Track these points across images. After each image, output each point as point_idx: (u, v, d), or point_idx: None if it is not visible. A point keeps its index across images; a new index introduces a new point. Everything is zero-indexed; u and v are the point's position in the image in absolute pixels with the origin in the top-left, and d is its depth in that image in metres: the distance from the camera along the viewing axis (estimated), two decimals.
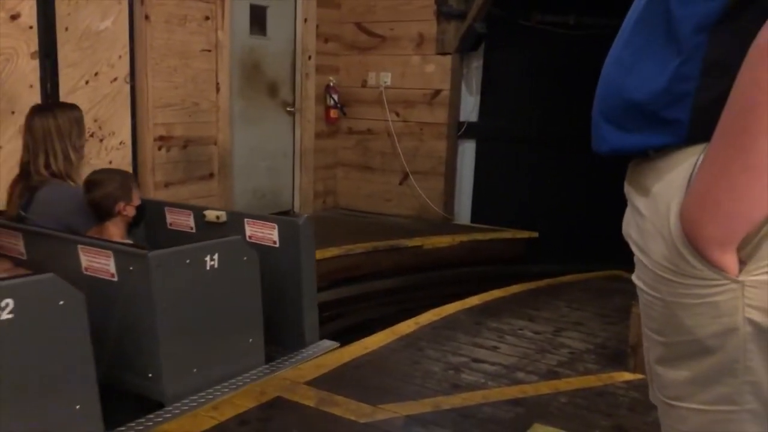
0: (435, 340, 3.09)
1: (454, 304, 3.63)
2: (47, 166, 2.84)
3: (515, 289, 4.02)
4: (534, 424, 2.32)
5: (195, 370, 2.44)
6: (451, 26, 5.31)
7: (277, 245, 2.85)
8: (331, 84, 5.69)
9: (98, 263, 2.32)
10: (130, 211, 2.82)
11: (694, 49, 0.86)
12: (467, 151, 5.69)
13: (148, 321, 2.29)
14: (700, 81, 0.86)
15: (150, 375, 2.34)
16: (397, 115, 5.65)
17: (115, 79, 3.99)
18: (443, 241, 4.91)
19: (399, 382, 2.64)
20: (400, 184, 5.69)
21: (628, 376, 2.75)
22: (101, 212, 2.79)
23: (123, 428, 2.20)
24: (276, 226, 2.84)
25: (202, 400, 2.39)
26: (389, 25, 5.59)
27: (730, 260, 0.84)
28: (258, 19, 5.09)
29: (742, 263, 0.85)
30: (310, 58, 5.48)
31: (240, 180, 5.05)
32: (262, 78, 5.21)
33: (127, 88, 4.06)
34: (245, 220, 2.91)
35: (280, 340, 2.84)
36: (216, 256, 2.45)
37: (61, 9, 3.66)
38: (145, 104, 4.19)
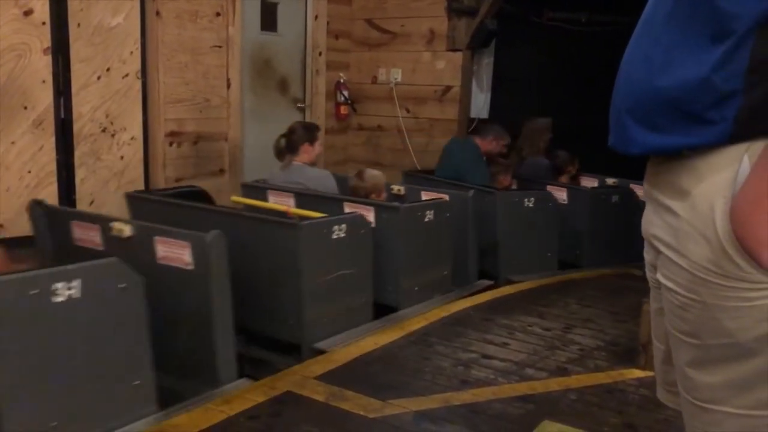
0: (445, 337, 3.09)
1: (463, 300, 3.62)
2: (525, 150, 5.22)
3: (525, 285, 4.01)
4: (543, 420, 2.32)
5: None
6: (462, 23, 5.30)
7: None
8: (342, 80, 5.69)
9: None
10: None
11: (742, 46, 0.83)
12: None
13: None
14: (747, 79, 0.83)
15: None
16: (408, 111, 5.64)
17: (127, 75, 4.00)
18: None
19: (409, 378, 2.64)
20: None
21: (638, 373, 2.74)
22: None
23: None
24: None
25: None
26: (400, 22, 5.58)
27: None
28: (269, 16, 5.09)
29: None
30: (320, 54, 5.48)
31: (250, 176, 5.04)
32: (272, 74, 5.22)
33: (139, 83, 4.07)
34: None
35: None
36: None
37: (73, 5, 3.67)
38: (157, 100, 4.20)
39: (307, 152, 3.83)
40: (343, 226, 2.93)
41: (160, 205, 3.36)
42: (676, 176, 0.92)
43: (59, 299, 1.94)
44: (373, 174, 3.82)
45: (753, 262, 0.83)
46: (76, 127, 3.77)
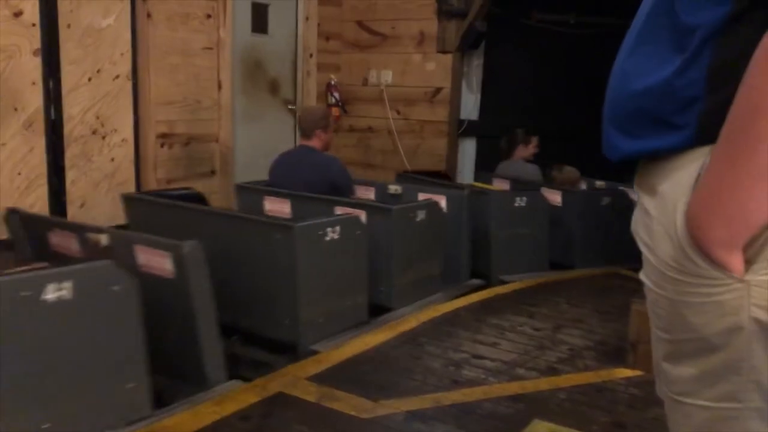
0: (435, 336, 3.10)
1: (454, 301, 3.64)
2: None
3: (515, 285, 4.03)
4: (533, 420, 2.34)
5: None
6: (451, 24, 5.32)
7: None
8: (332, 82, 5.69)
9: None
10: None
11: (701, 55, 0.87)
12: (468, 148, 5.70)
13: None
14: (706, 86, 0.87)
15: None
16: (398, 113, 5.66)
17: (117, 77, 4.00)
18: None
19: (400, 378, 2.65)
20: None
21: (627, 372, 2.76)
22: None
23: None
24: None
25: None
26: (390, 24, 5.60)
27: (735, 260, 0.84)
28: (259, 17, 5.10)
29: (748, 263, 0.85)
30: (311, 56, 5.49)
31: (241, 177, 5.05)
32: (263, 76, 5.22)
33: (129, 85, 4.07)
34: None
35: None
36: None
37: (63, 6, 3.67)
38: (147, 102, 4.20)
39: (521, 152, 5.08)
40: (524, 198, 4.19)
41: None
42: (652, 178, 0.96)
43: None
44: (569, 169, 4.95)
45: (708, 260, 0.86)
46: (66, 128, 3.77)
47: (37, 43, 3.58)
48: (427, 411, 2.38)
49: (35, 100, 3.61)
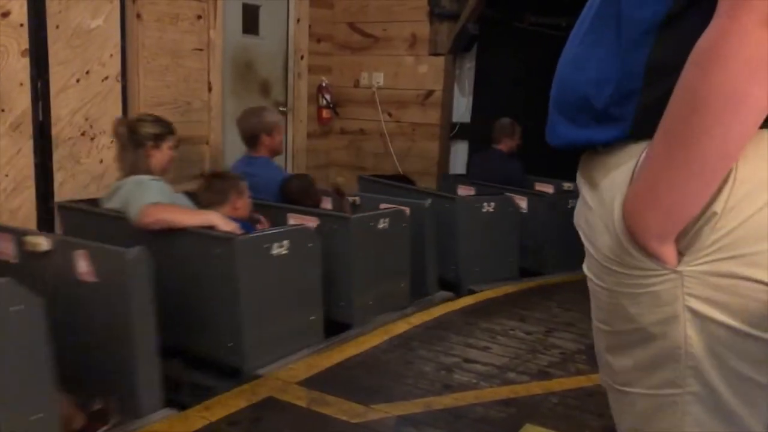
0: (427, 341, 3.09)
1: (446, 305, 3.63)
2: None
3: (507, 289, 4.02)
4: (525, 424, 2.33)
5: None
6: (443, 27, 5.31)
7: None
8: (324, 84, 5.68)
9: None
10: None
11: (641, 49, 0.90)
12: (459, 152, 5.69)
13: None
14: (644, 80, 0.90)
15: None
16: (390, 115, 5.65)
17: (107, 78, 3.96)
18: None
19: (391, 383, 2.63)
20: None
21: None
22: None
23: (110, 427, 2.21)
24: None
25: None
26: (382, 26, 5.59)
27: (668, 251, 0.87)
28: (250, 19, 5.07)
29: (681, 254, 0.88)
30: (302, 57, 5.47)
31: None
32: (254, 78, 5.20)
33: (119, 86, 4.03)
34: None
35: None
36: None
37: (51, 7, 3.63)
38: (137, 103, 4.16)
39: None
40: None
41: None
42: (592, 170, 0.99)
43: None
44: None
45: (643, 251, 0.89)
46: (54, 130, 3.73)
47: (25, 44, 3.54)
48: (419, 415, 2.36)
49: (23, 101, 3.57)
